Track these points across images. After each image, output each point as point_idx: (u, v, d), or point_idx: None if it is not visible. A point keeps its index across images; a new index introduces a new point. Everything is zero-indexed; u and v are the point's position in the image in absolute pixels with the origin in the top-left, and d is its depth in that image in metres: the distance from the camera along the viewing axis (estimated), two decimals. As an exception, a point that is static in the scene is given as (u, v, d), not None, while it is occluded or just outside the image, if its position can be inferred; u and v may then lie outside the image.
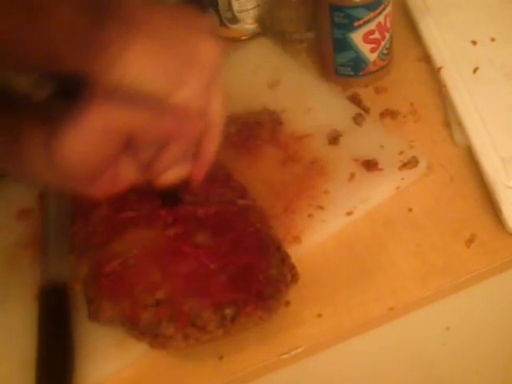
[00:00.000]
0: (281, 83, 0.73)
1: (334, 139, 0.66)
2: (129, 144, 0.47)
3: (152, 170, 0.51)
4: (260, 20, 0.78)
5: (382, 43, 0.69)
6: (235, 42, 0.79)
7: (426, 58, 0.73)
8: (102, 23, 0.44)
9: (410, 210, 0.61)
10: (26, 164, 0.48)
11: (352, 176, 0.62)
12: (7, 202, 0.66)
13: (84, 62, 0.44)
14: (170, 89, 0.47)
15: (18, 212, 0.65)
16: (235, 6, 0.77)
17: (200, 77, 0.48)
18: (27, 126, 0.48)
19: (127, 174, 0.50)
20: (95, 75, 0.45)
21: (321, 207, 0.60)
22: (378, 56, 0.70)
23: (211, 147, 0.52)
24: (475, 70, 0.69)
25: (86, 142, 0.45)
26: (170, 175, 0.51)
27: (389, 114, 0.68)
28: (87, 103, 0.45)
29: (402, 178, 0.62)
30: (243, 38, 0.80)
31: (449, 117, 0.67)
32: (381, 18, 0.67)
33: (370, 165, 0.63)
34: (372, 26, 0.67)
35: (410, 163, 0.62)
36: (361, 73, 0.71)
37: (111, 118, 0.45)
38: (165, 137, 0.48)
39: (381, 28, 0.68)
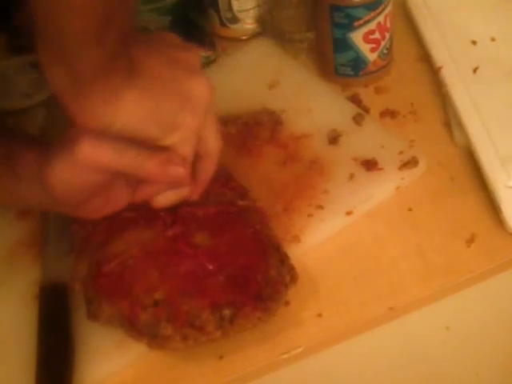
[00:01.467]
0: (281, 83, 0.73)
1: (333, 139, 0.66)
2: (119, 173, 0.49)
3: (143, 195, 0.52)
4: (260, 20, 0.78)
5: (382, 43, 0.69)
6: (235, 41, 0.79)
7: (426, 58, 0.73)
8: (115, 59, 0.44)
9: (410, 209, 0.61)
10: (21, 192, 0.50)
11: (352, 176, 0.62)
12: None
13: (78, 97, 0.44)
14: (161, 134, 0.48)
15: (19, 211, 0.65)
16: (235, 6, 0.77)
17: (193, 120, 0.49)
18: (21, 155, 0.50)
19: (120, 197, 0.52)
20: (85, 114, 0.45)
21: (320, 207, 0.60)
22: (378, 56, 0.70)
23: (206, 175, 0.54)
24: (475, 70, 0.69)
25: (74, 174, 0.46)
26: (164, 199, 0.53)
27: (389, 113, 0.68)
28: (78, 136, 0.45)
29: (402, 178, 0.62)
30: (243, 37, 0.80)
31: (449, 117, 0.67)
32: (381, 18, 0.67)
33: (370, 164, 0.63)
34: (372, 25, 0.67)
35: (410, 163, 0.62)
36: (361, 73, 0.71)
37: (99, 158, 0.46)
38: (150, 178, 0.50)
39: (381, 28, 0.68)
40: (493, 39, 0.73)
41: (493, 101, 0.66)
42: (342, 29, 0.68)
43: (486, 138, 0.62)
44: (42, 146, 0.49)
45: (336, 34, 0.68)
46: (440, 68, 0.70)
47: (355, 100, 0.70)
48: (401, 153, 0.63)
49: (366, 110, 0.69)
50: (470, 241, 0.58)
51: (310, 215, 0.60)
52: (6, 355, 0.55)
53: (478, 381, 0.58)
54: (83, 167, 0.46)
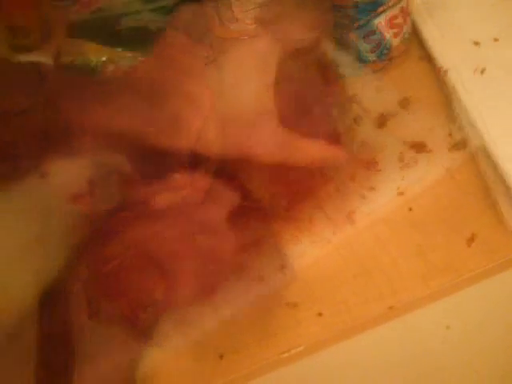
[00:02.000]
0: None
1: (333, 140, 0.66)
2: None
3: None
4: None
5: (383, 43, 0.69)
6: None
7: (427, 58, 0.73)
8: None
9: (410, 209, 0.61)
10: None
11: (353, 176, 0.63)
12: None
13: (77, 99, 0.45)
14: (160, 134, 0.49)
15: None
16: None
17: (192, 121, 0.49)
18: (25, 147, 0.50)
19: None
20: (84, 115, 0.46)
21: (321, 208, 0.60)
22: (378, 57, 0.70)
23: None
24: (477, 70, 0.69)
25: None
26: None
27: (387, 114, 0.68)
28: (77, 133, 0.47)
29: (402, 178, 0.62)
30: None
31: (450, 117, 0.67)
32: (381, 19, 0.67)
33: (370, 164, 0.63)
34: (372, 26, 0.67)
35: (410, 163, 0.62)
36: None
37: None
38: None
39: (381, 28, 0.68)
40: (496, 39, 0.73)
41: (493, 100, 0.66)
42: (342, 29, 0.68)
43: (487, 137, 0.62)
44: (44, 140, 0.50)
45: (336, 34, 0.68)
46: (441, 68, 0.70)
47: (355, 100, 0.70)
48: (401, 153, 0.63)
49: (366, 111, 0.69)
50: (471, 240, 0.58)
51: (311, 216, 0.60)
52: (5, 355, 0.55)
53: (478, 379, 0.58)
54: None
